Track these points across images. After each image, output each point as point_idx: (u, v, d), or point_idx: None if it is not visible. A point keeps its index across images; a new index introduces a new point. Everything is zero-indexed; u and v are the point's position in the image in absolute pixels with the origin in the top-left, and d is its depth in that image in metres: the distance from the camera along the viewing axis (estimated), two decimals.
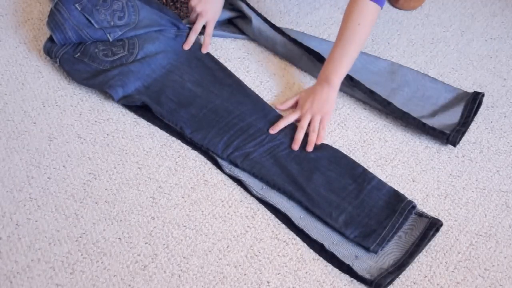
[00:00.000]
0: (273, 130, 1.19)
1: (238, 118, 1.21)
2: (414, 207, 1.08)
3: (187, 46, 1.33)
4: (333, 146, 1.19)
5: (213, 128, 1.18)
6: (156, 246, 1.03)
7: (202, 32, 1.36)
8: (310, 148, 1.16)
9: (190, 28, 1.36)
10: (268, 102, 1.26)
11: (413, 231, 1.06)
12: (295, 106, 1.24)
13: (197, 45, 1.35)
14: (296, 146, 1.16)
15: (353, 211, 1.08)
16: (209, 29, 1.35)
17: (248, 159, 1.14)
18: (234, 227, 1.06)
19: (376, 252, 1.03)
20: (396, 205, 1.08)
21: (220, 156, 1.14)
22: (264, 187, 1.11)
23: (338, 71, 1.18)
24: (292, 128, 1.21)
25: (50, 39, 1.28)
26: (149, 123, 1.20)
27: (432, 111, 1.25)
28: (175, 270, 1.00)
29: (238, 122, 1.20)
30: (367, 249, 1.03)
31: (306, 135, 1.18)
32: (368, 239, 1.04)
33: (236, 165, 1.14)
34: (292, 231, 1.06)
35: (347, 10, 1.17)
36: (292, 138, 1.18)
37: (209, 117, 1.21)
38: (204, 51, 1.34)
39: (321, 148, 1.17)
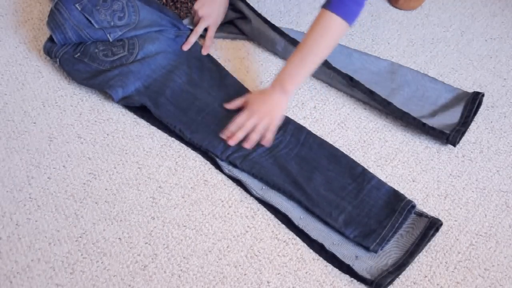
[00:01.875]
0: (224, 135, 1.16)
1: None
2: (413, 206, 1.08)
3: (186, 47, 1.33)
4: (333, 145, 1.19)
5: (212, 130, 1.18)
6: (156, 246, 1.03)
7: (203, 35, 1.36)
8: (247, 145, 1.15)
9: (190, 29, 1.36)
10: None
11: (413, 231, 1.06)
12: (242, 107, 1.21)
13: (197, 46, 1.35)
14: (232, 142, 1.15)
15: (353, 211, 1.08)
16: (211, 32, 1.35)
17: (247, 160, 1.14)
18: (234, 227, 1.06)
19: (376, 252, 1.03)
20: (396, 205, 1.08)
21: (219, 157, 1.14)
22: (264, 187, 1.11)
23: (295, 79, 1.15)
24: (296, 127, 1.20)
25: (50, 39, 1.28)
26: (149, 123, 1.20)
27: (432, 111, 1.25)
28: (175, 270, 1.00)
29: None
30: (367, 248, 1.03)
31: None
32: (368, 239, 1.04)
33: (235, 166, 1.14)
34: (292, 231, 1.06)
35: (314, 23, 1.13)
36: (292, 135, 1.18)
37: (208, 120, 1.21)
38: (204, 52, 1.34)
39: (321, 147, 1.17)
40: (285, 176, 1.12)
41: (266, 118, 1.16)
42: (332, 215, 1.07)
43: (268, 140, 1.16)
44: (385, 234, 1.04)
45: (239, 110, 1.20)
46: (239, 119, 1.17)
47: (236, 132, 1.16)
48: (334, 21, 1.11)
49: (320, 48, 1.14)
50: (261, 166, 1.13)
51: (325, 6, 1.12)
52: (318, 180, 1.12)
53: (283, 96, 1.17)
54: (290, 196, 1.09)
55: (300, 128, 1.21)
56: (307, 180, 1.12)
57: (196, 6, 1.34)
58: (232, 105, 1.22)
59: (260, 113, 1.16)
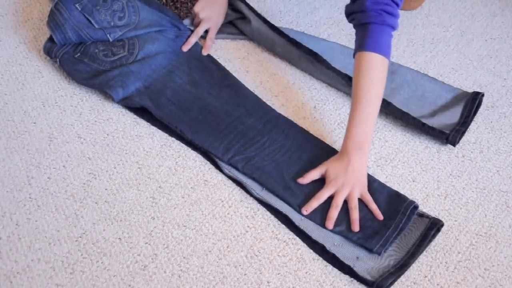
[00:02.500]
0: (307, 211, 1.06)
1: (237, 120, 1.21)
2: (416, 207, 1.08)
3: (186, 48, 1.33)
4: (333, 146, 1.19)
5: (213, 131, 1.18)
6: (156, 246, 1.03)
7: (203, 36, 1.36)
8: (356, 228, 1.04)
9: (191, 30, 1.36)
10: (268, 102, 1.26)
11: (414, 232, 1.06)
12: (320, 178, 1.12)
13: (197, 46, 1.35)
14: (330, 224, 1.05)
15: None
16: (212, 34, 1.35)
17: (249, 164, 1.13)
18: (234, 227, 1.06)
19: (379, 254, 1.02)
20: (399, 206, 1.08)
21: (220, 159, 1.14)
22: (264, 188, 1.11)
23: (367, 135, 1.08)
24: (298, 131, 1.20)
25: (50, 39, 1.28)
26: (149, 123, 1.20)
27: (431, 111, 1.25)
28: (175, 270, 1.00)
29: (238, 125, 1.20)
30: (370, 250, 1.03)
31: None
32: (371, 241, 1.03)
33: (237, 169, 1.13)
34: (293, 231, 1.06)
35: (355, 69, 1.10)
36: (294, 139, 1.18)
37: (208, 120, 1.21)
38: (205, 53, 1.34)
39: (323, 151, 1.17)
40: (286, 183, 1.11)
41: (356, 188, 1.06)
42: (336, 220, 1.06)
43: (378, 212, 1.06)
44: (388, 235, 1.04)
45: (244, 106, 1.21)
46: (325, 194, 1.07)
47: (330, 211, 1.06)
48: (376, 60, 1.08)
49: (375, 92, 1.09)
50: (263, 172, 1.12)
51: (359, 50, 1.10)
52: (320, 184, 1.11)
53: (363, 159, 1.08)
54: (291, 205, 1.09)
55: (301, 131, 1.20)
56: (308, 184, 1.11)
57: (197, 8, 1.34)
58: (308, 179, 1.10)
59: (350, 185, 1.06)
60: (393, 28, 1.10)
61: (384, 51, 1.09)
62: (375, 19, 1.08)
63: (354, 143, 1.08)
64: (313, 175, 1.10)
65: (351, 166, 1.07)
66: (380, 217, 1.05)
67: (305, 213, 1.07)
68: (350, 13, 1.14)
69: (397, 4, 1.10)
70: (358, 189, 1.07)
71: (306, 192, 1.10)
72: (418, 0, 1.49)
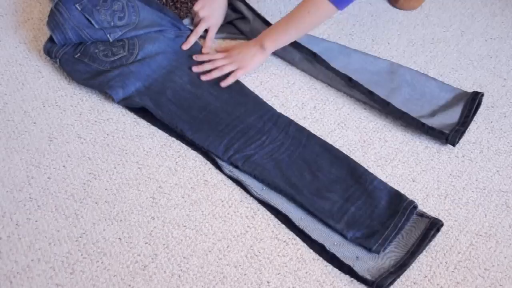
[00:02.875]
0: (185, 46, 1.31)
1: (238, 119, 1.21)
2: (415, 207, 1.08)
3: (185, 47, 1.33)
4: (333, 146, 1.19)
5: (213, 131, 1.18)
6: (156, 246, 1.03)
7: (203, 35, 1.36)
8: (204, 77, 1.26)
9: (191, 30, 1.36)
10: (268, 102, 1.26)
11: (413, 231, 1.06)
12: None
13: (198, 46, 1.35)
14: (195, 69, 1.28)
15: (356, 212, 1.08)
16: (212, 33, 1.36)
17: (249, 162, 1.13)
18: (234, 227, 1.06)
19: (378, 253, 1.03)
20: (398, 205, 1.08)
21: (221, 158, 1.14)
22: (264, 188, 1.11)
23: (274, 40, 1.25)
24: (298, 129, 1.20)
25: (50, 39, 1.28)
26: (149, 123, 1.20)
27: (431, 111, 1.25)
28: (175, 270, 1.00)
29: (238, 124, 1.20)
30: (369, 249, 1.03)
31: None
32: (370, 240, 1.04)
33: (237, 167, 1.13)
34: (293, 231, 1.06)
35: (306, 0, 1.21)
36: (294, 137, 1.18)
37: (209, 119, 1.21)
38: (205, 52, 1.34)
39: (323, 149, 1.17)
40: (286, 179, 1.12)
41: (235, 63, 1.26)
42: (335, 217, 1.07)
43: (227, 82, 1.25)
44: (387, 235, 1.04)
45: (244, 106, 1.25)
46: (215, 55, 1.29)
47: (212, 71, 1.26)
48: (324, 4, 1.18)
49: (305, 23, 1.22)
50: (263, 168, 1.13)
51: None
52: (320, 182, 1.12)
53: (260, 52, 1.26)
54: (292, 199, 1.09)
55: (301, 130, 1.21)
56: (309, 183, 1.11)
57: (196, 7, 1.34)
58: (216, 49, 1.33)
59: (233, 58, 1.27)
60: None
61: (339, 3, 1.18)
62: None
63: (262, 40, 1.26)
64: (227, 46, 1.35)
65: (246, 50, 1.28)
66: (224, 84, 1.26)
67: (184, 47, 1.31)
68: None
69: None
70: (236, 64, 1.26)
71: (310, 187, 1.10)
72: (418, 0, 1.49)
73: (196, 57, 1.30)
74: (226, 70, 1.26)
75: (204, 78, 1.26)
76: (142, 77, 1.25)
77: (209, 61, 1.29)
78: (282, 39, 1.25)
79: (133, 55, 1.29)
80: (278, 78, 1.32)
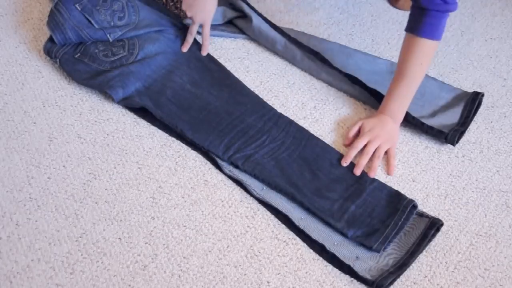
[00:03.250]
0: (345, 162, 1.14)
1: (238, 119, 1.21)
2: (415, 206, 1.08)
3: (184, 49, 1.33)
4: (333, 146, 1.19)
5: (213, 130, 1.18)
6: (156, 246, 1.03)
7: (200, 32, 1.36)
8: (372, 174, 1.13)
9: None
10: (268, 102, 1.26)
11: (413, 231, 1.06)
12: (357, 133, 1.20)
13: (197, 45, 1.35)
14: (358, 171, 1.13)
15: (356, 211, 1.08)
16: (205, 31, 1.33)
17: (249, 161, 1.13)
18: (234, 227, 1.06)
19: (378, 251, 1.03)
20: (398, 204, 1.08)
21: (221, 158, 1.14)
22: (264, 188, 1.11)
23: (403, 109, 1.18)
24: (298, 129, 1.20)
25: (51, 39, 1.28)
26: (149, 123, 1.20)
27: (431, 111, 1.25)
28: (175, 270, 1.00)
29: (238, 124, 1.20)
30: (369, 248, 1.03)
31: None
32: (370, 239, 1.04)
33: (237, 167, 1.13)
34: (293, 231, 1.06)
35: (406, 51, 1.14)
36: (294, 137, 1.18)
37: (209, 119, 1.21)
38: (203, 53, 1.33)
39: (323, 149, 1.17)
40: (286, 178, 1.12)
41: (388, 142, 1.16)
42: (335, 216, 1.07)
43: (393, 168, 1.15)
44: (388, 233, 1.04)
45: (244, 105, 1.22)
46: (360, 143, 1.16)
47: (360, 158, 1.14)
48: (431, 45, 1.12)
49: (422, 73, 1.16)
50: (263, 168, 1.13)
51: (416, 33, 1.11)
52: (320, 181, 1.12)
53: (396, 126, 1.19)
54: (292, 198, 1.09)
55: (301, 130, 1.21)
56: (309, 182, 1.11)
57: (184, 7, 1.32)
58: (351, 134, 1.19)
59: (382, 138, 1.16)
60: (454, 11, 1.10)
61: (440, 35, 1.12)
62: (437, 7, 1.08)
63: (390, 113, 1.18)
64: (353, 130, 1.19)
65: (386, 124, 1.17)
66: (391, 173, 1.14)
67: (344, 164, 1.14)
68: None
69: None
70: (388, 144, 1.16)
71: (310, 186, 1.10)
72: None
73: (345, 162, 1.15)
74: (382, 154, 1.16)
75: (372, 174, 1.13)
76: (142, 77, 1.25)
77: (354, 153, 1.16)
78: (407, 103, 1.18)
79: (133, 55, 1.29)
80: (278, 78, 1.32)
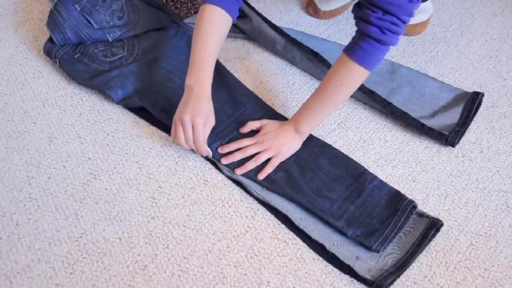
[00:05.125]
0: (222, 150, 1.14)
1: (237, 121, 1.21)
2: (415, 206, 1.08)
3: (203, 153, 1.14)
4: (333, 146, 1.19)
5: (212, 131, 1.18)
6: (156, 246, 1.03)
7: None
8: (239, 171, 1.11)
9: (189, 27, 1.36)
10: (268, 102, 1.26)
11: (413, 231, 1.06)
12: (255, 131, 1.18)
13: None
14: (225, 161, 1.12)
15: (355, 211, 1.08)
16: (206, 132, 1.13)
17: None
18: (234, 227, 1.06)
19: (378, 252, 1.03)
20: (398, 204, 1.08)
21: (219, 161, 1.14)
22: (264, 188, 1.11)
23: (310, 123, 1.13)
24: None
25: (50, 39, 1.28)
26: (149, 123, 1.20)
27: (432, 111, 1.25)
28: (175, 270, 1.00)
29: (237, 126, 1.20)
30: (369, 248, 1.03)
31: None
32: (370, 238, 1.04)
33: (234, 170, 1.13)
34: (293, 231, 1.06)
35: (334, 68, 1.09)
36: None
37: None
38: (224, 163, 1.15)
39: (322, 149, 1.17)
40: (286, 179, 1.11)
41: (272, 150, 1.13)
42: (334, 215, 1.07)
43: (264, 173, 1.12)
44: (387, 234, 1.04)
45: (243, 106, 1.20)
46: (245, 141, 1.15)
47: (235, 153, 1.13)
48: (357, 71, 1.06)
49: (341, 95, 1.10)
50: (261, 169, 1.13)
51: (348, 54, 1.06)
52: (319, 181, 1.12)
53: (296, 137, 1.14)
54: (291, 198, 1.09)
55: None
56: (309, 182, 1.11)
57: (185, 118, 1.09)
58: (246, 128, 1.18)
59: (269, 144, 1.13)
60: (393, 45, 1.05)
61: (371, 66, 1.06)
62: (376, 35, 1.03)
63: (298, 124, 1.14)
64: (254, 124, 1.18)
65: (283, 134, 1.14)
66: (260, 177, 1.11)
67: (224, 161, 1.13)
68: (356, 16, 1.08)
69: (404, 22, 1.03)
70: (273, 151, 1.13)
71: (310, 186, 1.10)
72: (423, 25, 1.46)
73: (222, 149, 1.14)
74: (262, 159, 1.13)
75: (239, 172, 1.11)
76: (141, 77, 1.25)
77: (238, 149, 1.15)
78: (318, 119, 1.13)
79: (132, 55, 1.29)
80: (278, 78, 1.32)
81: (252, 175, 1.12)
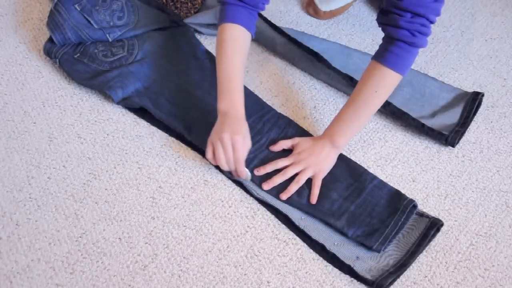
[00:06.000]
0: (259, 172, 1.11)
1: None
2: (415, 206, 1.08)
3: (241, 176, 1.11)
4: None
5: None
6: (156, 246, 1.03)
7: (201, 31, 1.36)
8: (284, 196, 1.08)
9: (189, 27, 1.36)
10: (268, 102, 1.26)
11: (413, 231, 1.06)
12: (289, 150, 1.15)
13: (197, 45, 1.35)
14: (266, 187, 1.09)
15: (355, 210, 1.08)
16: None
17: (248, 168, 1.12)
18: (234, 227, 1.06)
19: (379, 251, 1.03)
20: (398, 204, 1.08)
21: (259, 185, 1.12)
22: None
23: (347, 134, 1.10)
24: (298, 130, 1.19)
25: (50, 39, 1.28)
26: (149, 123, 1.20)
27: (432, 111, 1.25)
28: (175, 270, 1.00)
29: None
30: (369, 248, 1.03)
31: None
32: (370, 238, 1.04)
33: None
34: (293, 231, 1.06)
35: (365, 76, 1.08)
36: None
37: (208, 120, 1.20)
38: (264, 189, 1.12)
39: None
40: (286, 179, 1.11)
41: (311, 169, 1.10)
42: (335, 215, 1.07)
43: (315, 196, 1.08)
44: (388, 233, 1.04)
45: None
46: (281, 162, 1.11)
47: (275, 177, 1.10)
48: (390, 76, 1.06)
49: (375, 103, 1.08)
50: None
51: (379, 60, 1.05)
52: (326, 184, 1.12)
53: (333, 151, 1.11)
54: (291, 203, 1.09)
55: (301, 131, 1.20)
56: (308, 182, 1.11)
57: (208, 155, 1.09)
58: (277, 147, 1.15)
59: (306, 163, 1.10)
60: (423, 47, 1.05)
61: (404, 70, 1.06)
62: (407, 39, 1.02)
63: (333, 137, 1.11)
64: (285, 143, 1.15)
65: (319, 150, 1.11)
66: (313, 201, 1.08)
67: (265, 187, 1.09)
68: (382, 23, 1.07)
69: (431, 22, 1.02)
70: (312, 169, 1.10)
71: (310, 186, 1.10)
72: None
73: (258, 171, 1.11)
74: (303, 179, 1.09)
75: (284, 197, 1.08)
76: (141, 78, 1.25)
77: (275, 170, 1.11)
78: (353, 130, 1.11)
79: (132, 55, 1.29)
80: (278, 78, 1.32)
81: (295, 196, 1.09)
